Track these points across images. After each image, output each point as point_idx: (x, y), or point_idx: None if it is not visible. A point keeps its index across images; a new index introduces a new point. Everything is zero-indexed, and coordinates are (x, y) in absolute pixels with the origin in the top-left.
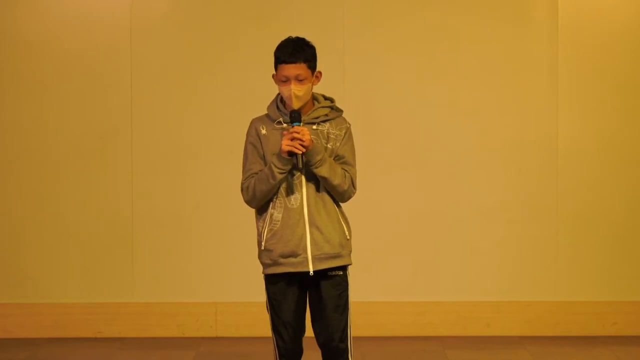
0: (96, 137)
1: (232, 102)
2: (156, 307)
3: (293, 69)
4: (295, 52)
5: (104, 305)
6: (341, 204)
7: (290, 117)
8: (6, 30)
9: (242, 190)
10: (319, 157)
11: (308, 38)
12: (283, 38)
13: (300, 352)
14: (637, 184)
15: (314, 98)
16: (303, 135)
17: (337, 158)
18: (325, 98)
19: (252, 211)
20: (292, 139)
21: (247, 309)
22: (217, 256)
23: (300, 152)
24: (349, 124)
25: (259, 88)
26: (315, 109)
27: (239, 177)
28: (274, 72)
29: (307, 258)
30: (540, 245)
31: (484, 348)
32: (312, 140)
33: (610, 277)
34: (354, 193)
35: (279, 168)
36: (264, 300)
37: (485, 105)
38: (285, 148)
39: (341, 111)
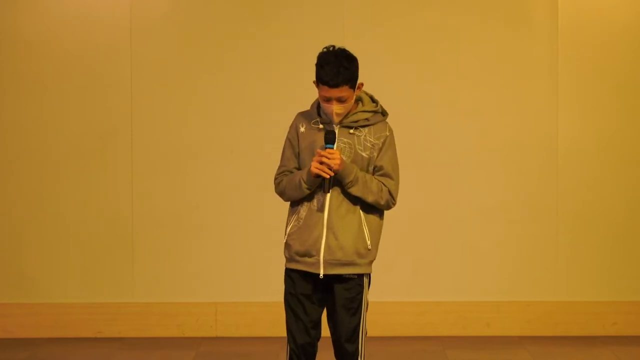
0: (96, 137)
1: (232, 102)
2: (156, 307)
3: (335, 92)
4: (338, 74)
5: (104, 305)
6: (385, 211)
7: (325, 138)
8: (6, 30)
9: (274, 182)
10: (349, 179)
11: (308, 38)
12: (283, 38)
13: (312, 352)
14: (637, 184)
15: (359, 99)
16: (332, 160)
17: (377, 170)
18: (373, 100)
19: (254, 211)
20: (322, 163)
21: (247, 309)
22: (217, 256)
23: (328, 177)
24: (390, 131)
25: (259, 88)
26: (356, 113)
27: (239, 177)
28: (315, 80)
29: (319, 261)
30: (540, 245)
31: (484, 348)
32: (343, 163)
33: (610, 277)
34: (393, 204)
35: (306, 184)
36: (264, 301)
37: (485, 105)
38: (314, 171)
39: (385, 115)
